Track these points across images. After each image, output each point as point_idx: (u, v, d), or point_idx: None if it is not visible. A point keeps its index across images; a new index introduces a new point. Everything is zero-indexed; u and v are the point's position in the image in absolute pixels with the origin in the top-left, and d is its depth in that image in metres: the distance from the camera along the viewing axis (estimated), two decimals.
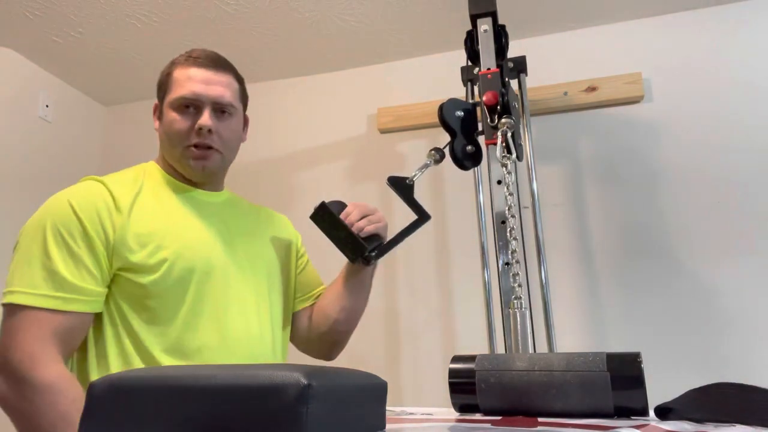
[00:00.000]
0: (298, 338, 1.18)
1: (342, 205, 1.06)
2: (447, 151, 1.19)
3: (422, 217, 1.08)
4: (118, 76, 2.09)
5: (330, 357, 1.19)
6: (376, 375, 0.53)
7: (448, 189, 1.85)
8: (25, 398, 0.84)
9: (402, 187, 1.10)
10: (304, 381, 0.40)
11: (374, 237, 1.04)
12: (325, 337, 1.15)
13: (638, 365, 0.62)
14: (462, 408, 0.70)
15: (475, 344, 1.69)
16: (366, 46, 1.93)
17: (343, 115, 2.02)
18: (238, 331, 0.98)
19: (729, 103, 1.68)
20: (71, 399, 0.85)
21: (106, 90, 2.18)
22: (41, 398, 0.84)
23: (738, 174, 1.64)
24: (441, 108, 1.16)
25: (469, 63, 1.51)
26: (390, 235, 1.08)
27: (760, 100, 1.66)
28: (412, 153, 1.93)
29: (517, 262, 1.02)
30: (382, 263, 1.85)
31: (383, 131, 1.95)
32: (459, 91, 1.70)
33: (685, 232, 1.64)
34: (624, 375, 0.62)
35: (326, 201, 1.04)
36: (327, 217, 1.02)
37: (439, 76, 1.92)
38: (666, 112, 1.73)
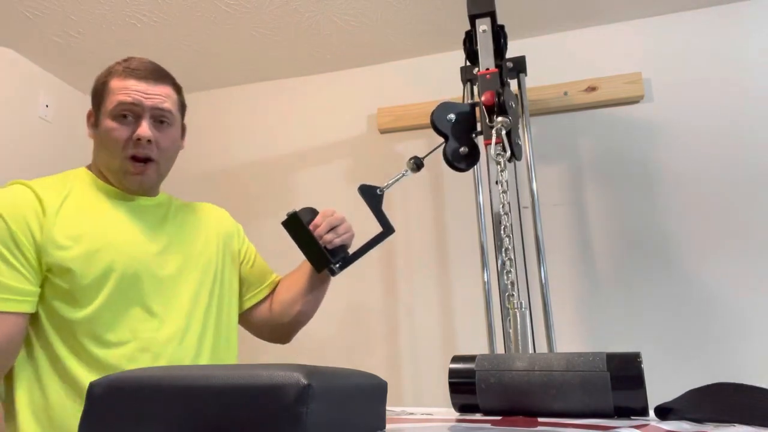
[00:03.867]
0: (255, 328, 1.23)
1: (313, 213, 1.10)
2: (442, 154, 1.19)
3: (386, 229, 1.10)
4: None
5: (287, 342, 1.24)
6: (376, 375, 0.53)
7: (448, 189, 1.85)
8: None
9: (371, 196, 1.11)
10: (304, 381, 0.40)
11: (340, 248, 1.09)
12: (285, 327, 1.21)
13: (638, 365, 0.62)
14: (462, 408, 0.70)
15: (475, 344, 1.70)
16: (366, 46, 1.93)
17: (343, 115, 2.02)
18: (158, 332, 0.98)
19: (729, 102, 1.68)
20: None
21: None
22: None
23: (738, 174, 1.64)
24: (431, 114, 1.17)
25: (468, 63, 1.50)
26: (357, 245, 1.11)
27: (760, 100, 1.66)
28: (411, 153, 1.91)
29: (510, 260, 1.02)
30: (382, 264, 1.85)
31: (383, 131, 1.95)
32: (459, 91, 1.70)
33: (684, 232, 1.64)
34: (624, 375, 0.62)
35: (298, 210, 1.07)
36: (297, 227, 1.06)
37: (439, 76, 1.92)
38: (666, 112, 1.73)
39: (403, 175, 1.14)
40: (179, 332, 1.01)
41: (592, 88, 1.76)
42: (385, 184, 1.12)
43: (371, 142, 1.97)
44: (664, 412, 0.61)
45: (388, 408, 0.74)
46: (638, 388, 0.61)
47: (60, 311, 0.93)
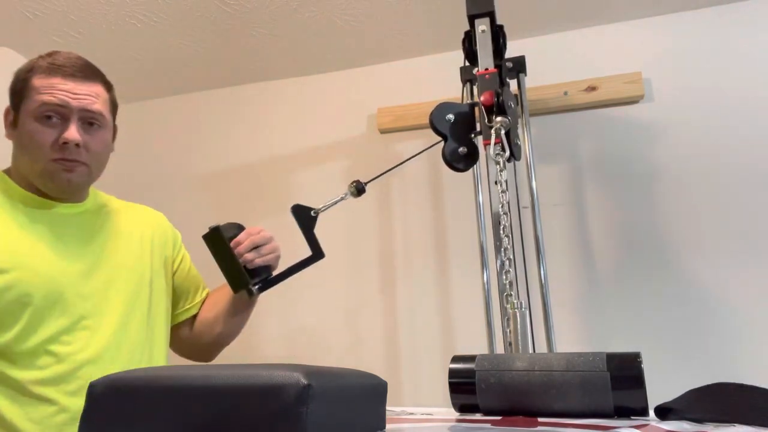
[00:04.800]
0: (177, 345, 1.16)
1: (240, 229, 1.05)
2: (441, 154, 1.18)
3: (316, 254, 1.05)
4: (118, 76, 2.09)
5: (210, 360, 1.18)
6: (376, 375, 0.53)
7: (448, 189, 1.85)
8: None
9: (304, 217, 1.06)
10: (304, 381, 0.40)
11: (264, 268, 1.03)
12: (206, 347, 1.15)
13: (638, 365, 0.62)
14: (462, 408, 0.70)
15: (475, 344, 1.69)
16: (366, 46, 1.93)
17: (343, 115, 2.02)
18: (84, 352, 0.92)
19: (729, 102, 1.68)
20: None
21: None
22: None
23: (738, 174, 1.64)
24: (430, 115, 1.17)
25: (468, 63, 1.50)
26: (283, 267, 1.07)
27: (760, 100, 1.66)
28: (411, 153, 1.92)
29: (510, 260, 1.02)
30: (382, 263, 1.85)
31: (383, 131, 1.95)
32: (459, 91, 1.70)
33: (684, 232, 1.64)
34: (624, 375, 0.62)
35: (221, 225, 1.02)
36: (218, 242, 0.99)
37: (439, 76, 1.92)
38: (666, 112, 1.73)
39: (342, 198, 1.10)
40: (109, 350, 0.95)
41: (592, 88, 1.76)
42: (321, 206, 1.08)
43: (371, 142, 1.97)
44: (664, 412, 0.61)
45: (388, 408, 0.74)
46: (638, 388, 0.61)
47: None
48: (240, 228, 1.05)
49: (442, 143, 1.18)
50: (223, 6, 1.71)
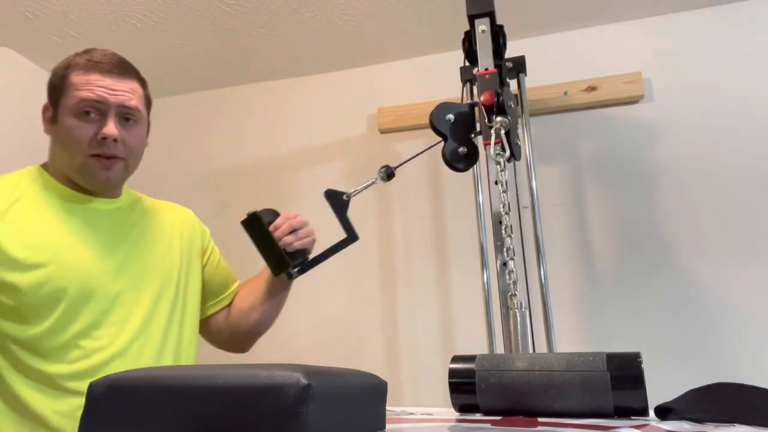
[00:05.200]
0: (213, 336, 1.18)
1: (275, 215, 1.06)
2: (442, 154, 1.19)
3: (350, 236, 1.07)
4: None
5: (245, 351, 1.20)
6: (376, 375, 0.53)
7: (448, 189, 1.85)
8: None
9: (337, 201, 1.08)
10: (304, 381, 0.40)
11: (300, 252, 1.05)
12: (243, 336, 1.16)
13: (638, 365, 0.62)
14: (462, 408, 0.70)
15: (475, 344, 1.69)
16: (366, 46, 1.93)
17: (343, 115, 2.02)
18: (113, 347, 0.93)
19: (729, 102, 1.68)
20: None
21: None
22: None
23: (738, 173, 1.64)
24: (430, 115, 1.17)
25: (468, 63, 1.50)
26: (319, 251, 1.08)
27: (760, 100, 1.66)
28: (411, 153, 1.92)
29: (512, 259, 1.02)
30: (382, 263, 1.85)
31: (383, 131, 1.95)
32: (459, 91, 1.70)
33: (684, 232, 1.64)
34: (624, 375, 0.62)
35: (258, 210, 1.03)
36: (257, 227, 1.02)
37: (439, 76, 1.92)
38: (666, 112, 1.73)
39: (373, 182, 1.12)
40: (137, 345, 0.96)
41: (592, 88, 1.76)
42: (353, 190, 1.09)
43: (371, 142, 1.97)
44: (664, 412, 0.61)
45: (388, 408, 0.74)
46: (638, 388, 0.61)
47: (4, 329, 0.87)
48: (276, 213, 1.07)
49: (442, 143, 1.18)
50: (223, 6, 1.71)
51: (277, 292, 1.13)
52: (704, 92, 1.71)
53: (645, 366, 0.62)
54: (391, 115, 1.94)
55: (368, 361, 1.77)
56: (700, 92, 1.71)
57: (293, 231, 1.04)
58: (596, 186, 1.74)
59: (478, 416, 0.68)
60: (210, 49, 1.92)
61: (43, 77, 2.18)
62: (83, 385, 0.88)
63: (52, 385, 0.88)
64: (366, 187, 1.11)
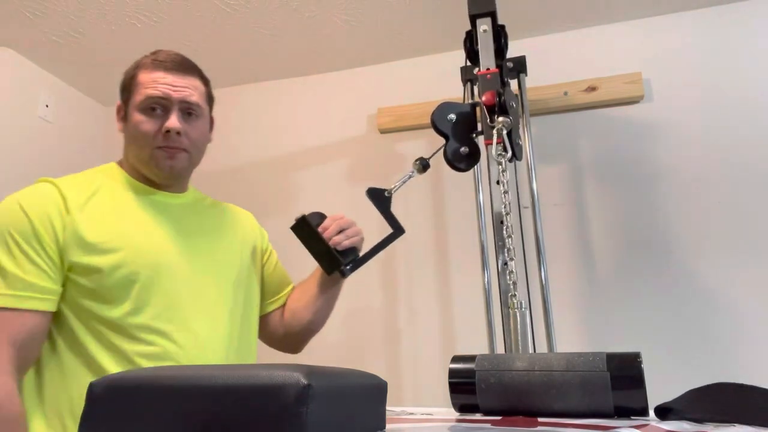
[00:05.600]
0: (268, 336, 1.21)
1: (322, 217, 1.10)
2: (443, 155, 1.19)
3: (397, 230, 1.12)
4: (118, 76, 2.08)
5: (298, 351, 1.23)
6: (376, 375, 0.53)
7: (448, 189, 1.85)
8: None
9: (380, 198, 1.12)
10: (304, 381, 0.40)
11: (350, 250, 1.09)
12: (296, 336, 1.19)
13: (638, 365, 0.62)
14: (462, 408, 0.70)
15: (475, 344, 1.69)
16: (366, 46, 1.93)
17: (343, 115, 2.02)
18: (185, 337, 0.97)
19: (729, 102, 1.68)
20: (4, 417, 0.83)
21: (106, 90, 2.18)
22: None
23: (738, 173, 1.64)
24: (432, 114, 1.17)
25: (469, 63, 1.50)
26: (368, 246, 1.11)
27: (760, 100, 1.66)
28: (412, 153, 1.93)
29: (512, 260, 1.02)
30: (382, 264, 1.85)
31: (383, 131, 1.95)
32: (459, 91, 1.70)
33: (684, 232, 1.64)
34: (624, 375, 0.62)
35: (306, 214, 1.08)
36: (306, 230, 1.06)
37: (439, 76, 1.92)
38: (666, 112, 1.73)
39: (410, 176, 1.15)
40: (207, 330, 1.00)
41: (592, 88, 1.76)
42: (393, 186, 1.13)
43: (371, 142, 1.97)
44: (664, 412, 0.61)
45: (388, 408, 0.74)
46: (638, 388, 0.61)
47: (90, 309, 0.92)
48: (323, 216, 1.11)
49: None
50: (223, 6, 1.71)
51: (327, 293, 1.17)
52: (704, 92, 1.71)
53: (645, 366, 0.62)
54: (391, 115, 1.94)
55: (368, 361, 1.77)
56: (700, 92, 1.71)
57: (341, 230, 1.08)
58: (596, 186, 1.74)
59: (478, 416, 0.68)
60: (210, 49, 1.92)
61: (44, 77, 2.18)
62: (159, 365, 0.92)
63: (133, 363, 0.93)
64: (404, 182, 1.14)
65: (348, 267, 1.08)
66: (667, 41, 1.77)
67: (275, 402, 0.39)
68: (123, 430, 0.43)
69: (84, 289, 0.92)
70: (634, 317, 1.62)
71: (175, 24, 1.79)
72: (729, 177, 1.64)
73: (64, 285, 0.93)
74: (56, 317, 0.93)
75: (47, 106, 2.02)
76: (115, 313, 0.92)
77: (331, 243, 1.05)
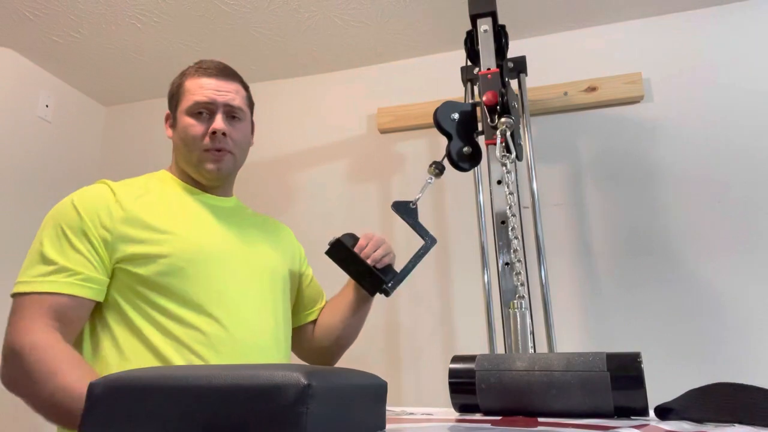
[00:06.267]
0: (300, 349, 1.23)
1: (354, 238, 1.10)
2: (446, 155, 1.19)
3: (429, 241, 1.11)
4: (118, 76, 2.09)
5: (330, 365, 1.24)
6: (376, 375, 0.53)
7: (448, 189, 1.85)
8: (23, 373, 0.85)
9: (406, 211, 1.12)
10: (303, 381, 0.40)
11: (387, 267, 1.09)
12: (326, 350, 1.21)
13: (638, 365, 0.62)
14: (462, 408, 0.70)
15: (475, 344, 1.69)
16: (366, 46, 1.93)
17: (343, 115, 2.02)
18: (236, 323, 0.99)
19: (729, 102, 1.68)
20: (58, 356, 0.85)
21: (106, 90, 2.18)
22: (27, 359, 0.85)
23: (738, 174, 1.64)
24: (435, 112, 1.17)
25: (469, 63, 1.50)
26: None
27: (759, 100, 1.66)
28: (412, 153, 1.93)
29: (519, 261, 1.02)
30: None
31: (383, 131, 1.95)
32: (459, 91, 1.70)
33: (684, 232, 1.64)
34: (624, 375, 0.62)
35: (339, 236, 1.07)
36: (343, 253, 1.06)
37: (439, 76, 1.92)
38: (666, 112, 1.73)
39: (429, 183, 1.16)
40: (255, 321, 1.02)
41: (592, 88, 1.76)
42: (416, 197, 1.14)
43: (371, 142, 1.97)
44: (664, 412, 0.61)
45: (388, 408, 0.74)
46: (638, 388, 0.61)
47: (145, 296, 0.96)
48: (355, 237, 1.11)
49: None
50: (223, 6, 1.71)
51: (358, 311, 1.18)
52: (704, 92, 1.71)
53: (645, 366, 0.62)
54: (391, 115, 1.94)
55: (368, 361, 1.77)
56: (700, 92, 1.71)
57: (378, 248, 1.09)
58: (596, 186, 1.74)
59: (478, 416, 0.68)
60: (210, 49, 1.92)
61: (44, 77, 2.18)
62: (206, 351, 0.95)
63: (186, 346, 0.95)
64: (424, 190, 1.15)
65: (390, 285, 1.07)
66: (667, 41, 1.77)
67: (275, 402, 0.39)
68: (123, 430, 0.43)
69: (137, 278, 0.96)
70: (634, 317, 1.62)
71: (175, 24, 1.79)
72: (729, 177, 1.64)
73: (116, 276, 0.96)
74: (113, 309, 0.96)
75: (47, 106, 2.02)
76: (168, 299, 0.96)
77: (369, 261, 1.05)
